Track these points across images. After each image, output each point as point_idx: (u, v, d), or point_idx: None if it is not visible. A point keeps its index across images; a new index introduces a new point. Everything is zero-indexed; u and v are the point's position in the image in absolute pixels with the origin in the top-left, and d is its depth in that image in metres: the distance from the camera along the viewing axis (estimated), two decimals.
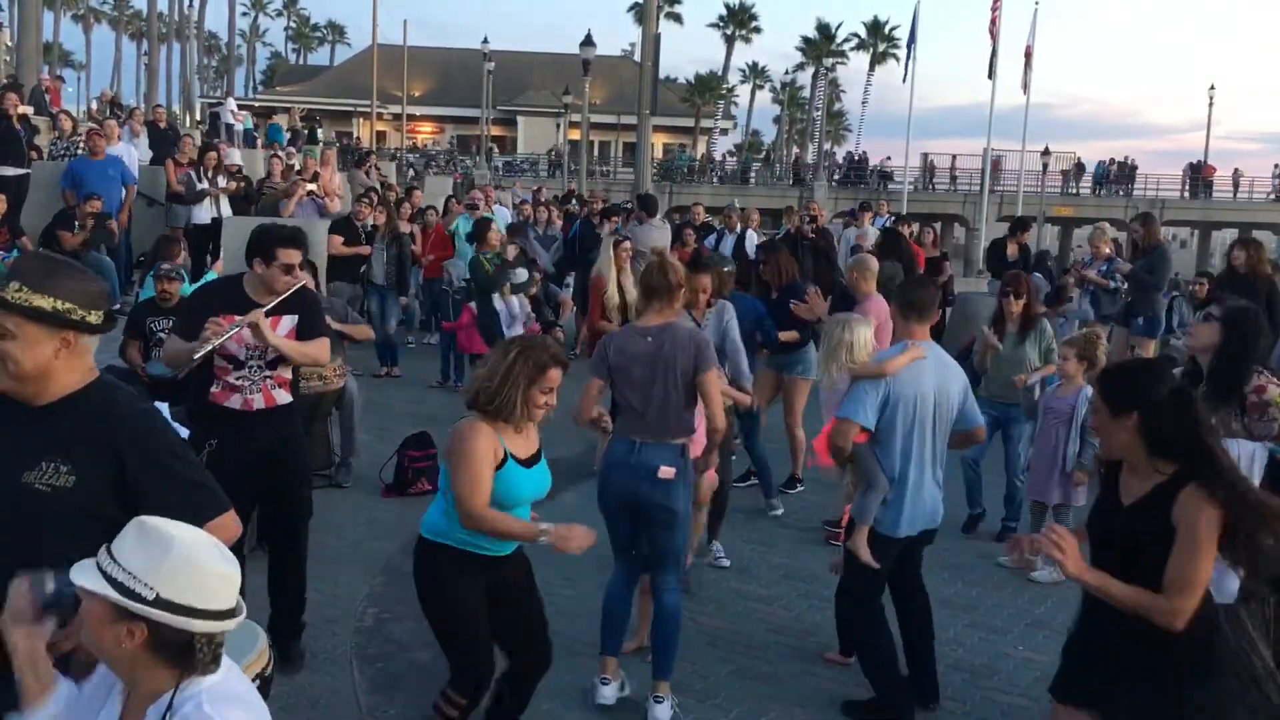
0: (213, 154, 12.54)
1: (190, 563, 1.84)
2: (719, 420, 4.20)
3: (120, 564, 1.83)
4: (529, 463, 3.48)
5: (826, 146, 52.12)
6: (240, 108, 25.98)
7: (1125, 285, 9.46)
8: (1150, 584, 2.63)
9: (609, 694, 4.26)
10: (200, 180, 11.98)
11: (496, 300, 8.59)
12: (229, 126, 22.06)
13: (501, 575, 3.52)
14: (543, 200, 17.94)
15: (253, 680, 3.05)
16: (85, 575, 1.84)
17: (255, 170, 15.44)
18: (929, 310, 4.24)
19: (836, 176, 40.21)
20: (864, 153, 46.76)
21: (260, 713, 1.96)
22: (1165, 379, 2.77)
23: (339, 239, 10.59)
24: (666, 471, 4.08)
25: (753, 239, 12.16)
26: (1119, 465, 2.84)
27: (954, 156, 43.87)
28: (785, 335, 6.81)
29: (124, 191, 11.65)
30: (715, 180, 43.51)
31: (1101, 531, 2.85)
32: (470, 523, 3.32)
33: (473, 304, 9.13)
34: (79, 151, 12.86)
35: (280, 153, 16.80)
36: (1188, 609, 2.58)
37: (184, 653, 1.84)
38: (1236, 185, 45.34)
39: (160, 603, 1.80)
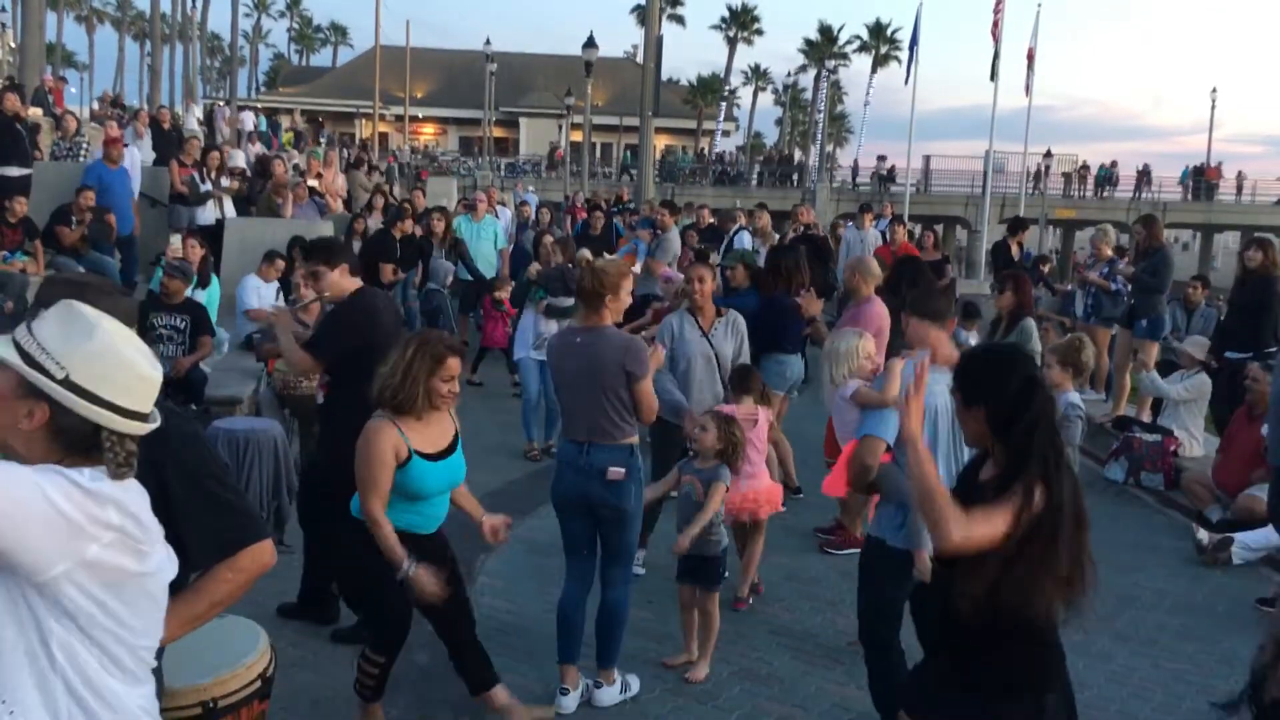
0: (215, 154, 12.54)
1: (111, 352, 1.76)
2: (647, 419, 4.30)
3: (36, 338, 1.74)
4: (440, 455, 3.68)
5: (829, 149, 52.07)
6: (241, 109, 26.03)
7: (1128, 287, 9.45)
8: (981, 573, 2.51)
9: (569, 704, 4.29)
10: (203, 181, 11.97)
11: (530, 318, 8.29)
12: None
13: (428, 551, 3.73)
14: (578, 204, 17.95)
15: (254, 680, 3.08)
16: None
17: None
18: (944, 316, 4.13)
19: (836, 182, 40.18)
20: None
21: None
22: (1018, 369, 2.66)
23: (390, 268, 10.29)
24: (615, 473, 4.17)
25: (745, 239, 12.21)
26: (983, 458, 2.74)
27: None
28: None
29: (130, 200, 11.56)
30: (716, 181, 43.49)
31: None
32: (365, 519, 3.59)
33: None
34: (84, 153, 12.85)
35: (281, 154, 16.86)
36: (958, 544, 2.45)
37: (88, 445, 1.75)
38: (1240, 188, 45.36)
39: (68, 384, 1.71)
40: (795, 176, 44.21)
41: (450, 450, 3.74)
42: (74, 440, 1.75)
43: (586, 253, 8.89)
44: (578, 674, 4.38)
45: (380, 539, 3.59)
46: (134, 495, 1.83)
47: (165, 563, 1.88)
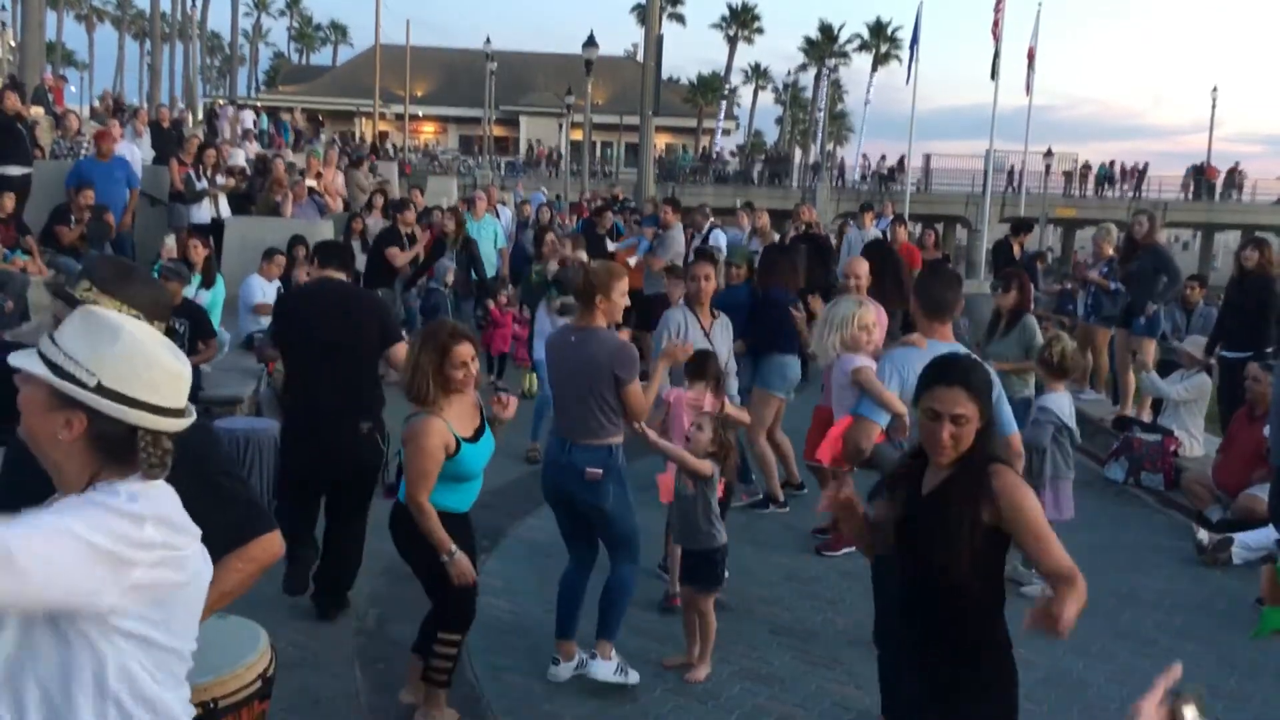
0: (211, 152, 12.50)
1: (138, 352, 1.75)
2: (637, 420, 4.35)
3: (62, 349, 1.73)
4: (475, 437, 3.84)
5: (829, 147, 52.06)
6: (241, 108, 26.11)
7: (1124, 288, 9.44)
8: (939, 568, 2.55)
9: (562, 674, 4.43)
10: (199, 179, 11.94)
11: (542, 315, 8.17)
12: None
13: (462, 528, 3.92)
14: (583, 203, 17.97)
15: (255, 680, 3.07)
16: (25, 358, 1.74)
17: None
18: (951, 308, 4.05)
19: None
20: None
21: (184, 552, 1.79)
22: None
23: (396, 249, 10.33)
24: (593, 474, 4.25)
25: (719, 236, 12.22)
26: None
27: None
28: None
29: (128, 194, 11.54)
30: (717, 180, 43.47)
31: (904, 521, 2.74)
32: (412, 506, 3.71)
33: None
34: (84, 151, 12.82)
35: (280, 154, 16.85)
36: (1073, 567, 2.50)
37: (126, 449, 1.74)
38: (1240, 187, 45.37)
39: (101, 390, 1.70)
40: (793, 176, 44.12)
41: (482, 430, 3.90)
42: (113, 446, 1.74)
43: (582, 253, 8.90)
44: (573, 648, 4.47)
45: (427, 528, 3.72)
46: (168, 500, 1.82)
47: (202, 566, 1.88)
